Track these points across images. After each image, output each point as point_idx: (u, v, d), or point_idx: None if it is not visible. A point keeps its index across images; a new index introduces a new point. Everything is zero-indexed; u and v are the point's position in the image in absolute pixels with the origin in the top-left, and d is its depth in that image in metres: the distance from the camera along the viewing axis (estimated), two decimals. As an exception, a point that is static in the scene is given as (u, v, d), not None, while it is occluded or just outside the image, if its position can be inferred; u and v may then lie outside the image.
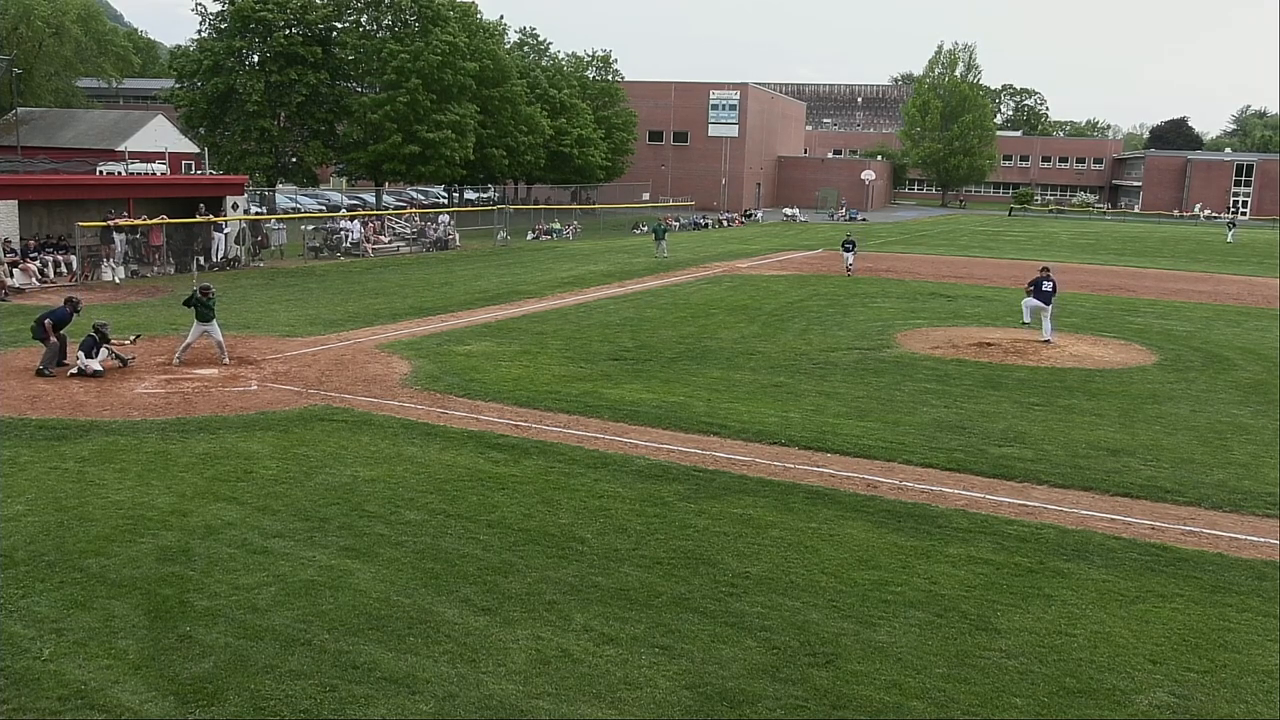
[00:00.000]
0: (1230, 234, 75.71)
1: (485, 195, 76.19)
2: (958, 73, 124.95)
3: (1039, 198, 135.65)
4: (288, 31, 56.67)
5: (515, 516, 12.29)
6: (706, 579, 10.64)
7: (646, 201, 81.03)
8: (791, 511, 12.75)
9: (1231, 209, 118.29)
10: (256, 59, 57.61)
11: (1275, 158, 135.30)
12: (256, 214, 46.67)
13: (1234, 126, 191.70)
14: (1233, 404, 19.66)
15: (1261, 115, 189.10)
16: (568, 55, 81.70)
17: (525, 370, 20.68)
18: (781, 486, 13.71)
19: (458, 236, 51.72)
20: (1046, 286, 25.80)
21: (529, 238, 57.29)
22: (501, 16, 71.90)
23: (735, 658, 9.01)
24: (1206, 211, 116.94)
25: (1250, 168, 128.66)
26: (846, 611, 9.98)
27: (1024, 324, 26.50)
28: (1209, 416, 18.54)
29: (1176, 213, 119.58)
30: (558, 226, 60.76)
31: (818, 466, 14.71)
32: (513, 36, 73.70)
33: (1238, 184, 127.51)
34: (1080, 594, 10.57)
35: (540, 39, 77.24)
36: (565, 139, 72.71)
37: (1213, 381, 21.75)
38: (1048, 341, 25.33)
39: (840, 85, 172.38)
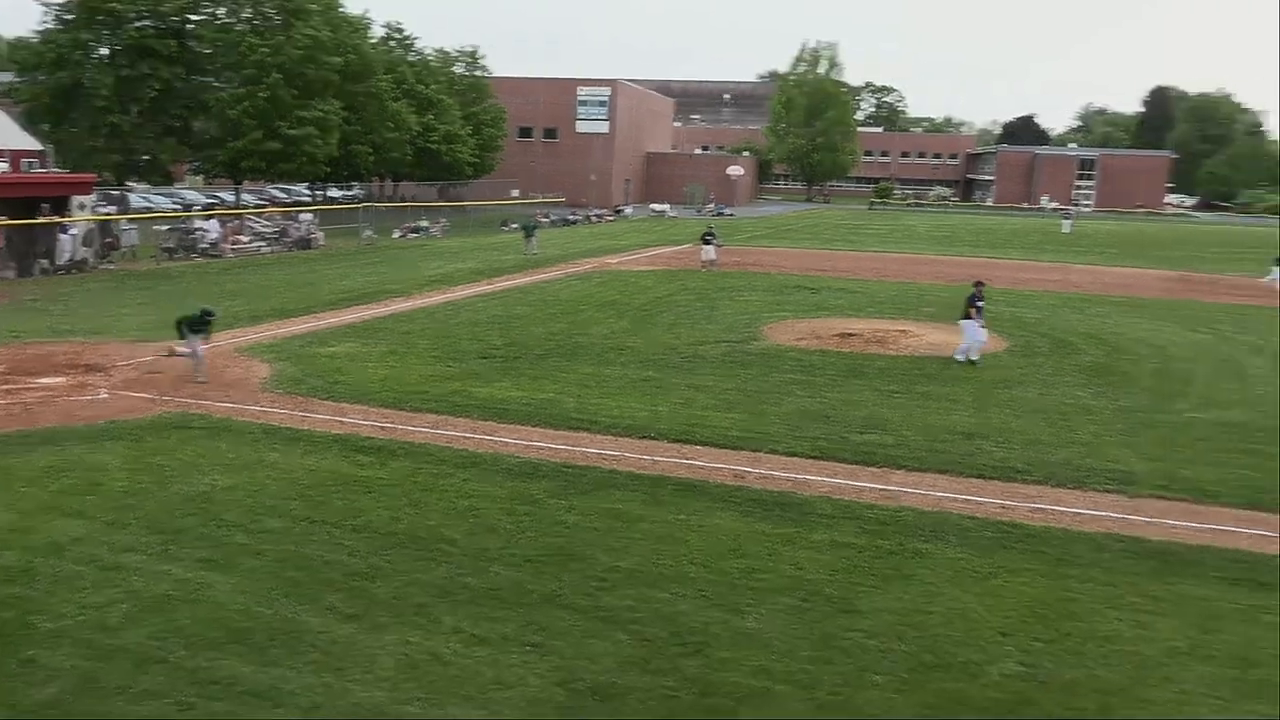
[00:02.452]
0: (1067, 225, 79.10)
1: (350, 193, 74.52)
2: (821, 70, 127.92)
3: (898, 192, 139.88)
4: (139, 24, 54.21)
5: (382, 520, 12.09)
6: (577, 575, 10.66)
7: (516, 198, 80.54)
8: (661, 504, 12.87)
9: (1073, 202, 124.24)
10: (106, 52, 54.93)
11: (1116, 153, 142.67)
12: (105, 214, 44.62)
13: (1079, 123, 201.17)
14: (1077, 386, 20.66)
15: (1102, 113, 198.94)
16: (435, 51, 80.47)
17: (392, 371, 20.34)
18: (651, 480, 13.83)
19: (322, 236, 50.44)
20: (981, 303, 22.94)
21: (396, 236, 56.31)
22: (366, 11, 70.14)
23: (606, 652, 9.06)
24: (1053, 204, 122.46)
25: (1093, 162, 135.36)
26: (715, 600, 10.14)
27: (971, 361, 22.55)
28: (1055, 399, 19.45)
29: (1026, 205, 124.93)
30: (425, 224, 59.86)
31: (686, 459, 14.89)
32: (378, 31, 72.12)
33: (1082, 178, 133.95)
34: (937, 573, 10.97)
35: (406, 34, 75.86)
36: (433, 135, 71.60)
37: (1059, 365, 22.82)
38: (974, 362, 22.53)
39: (709, 82, 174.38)
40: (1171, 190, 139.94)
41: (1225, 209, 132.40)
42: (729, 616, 9.80)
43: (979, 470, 14.75)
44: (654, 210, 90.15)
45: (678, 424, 16.73)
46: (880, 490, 13.72)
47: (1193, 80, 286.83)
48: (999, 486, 14.10)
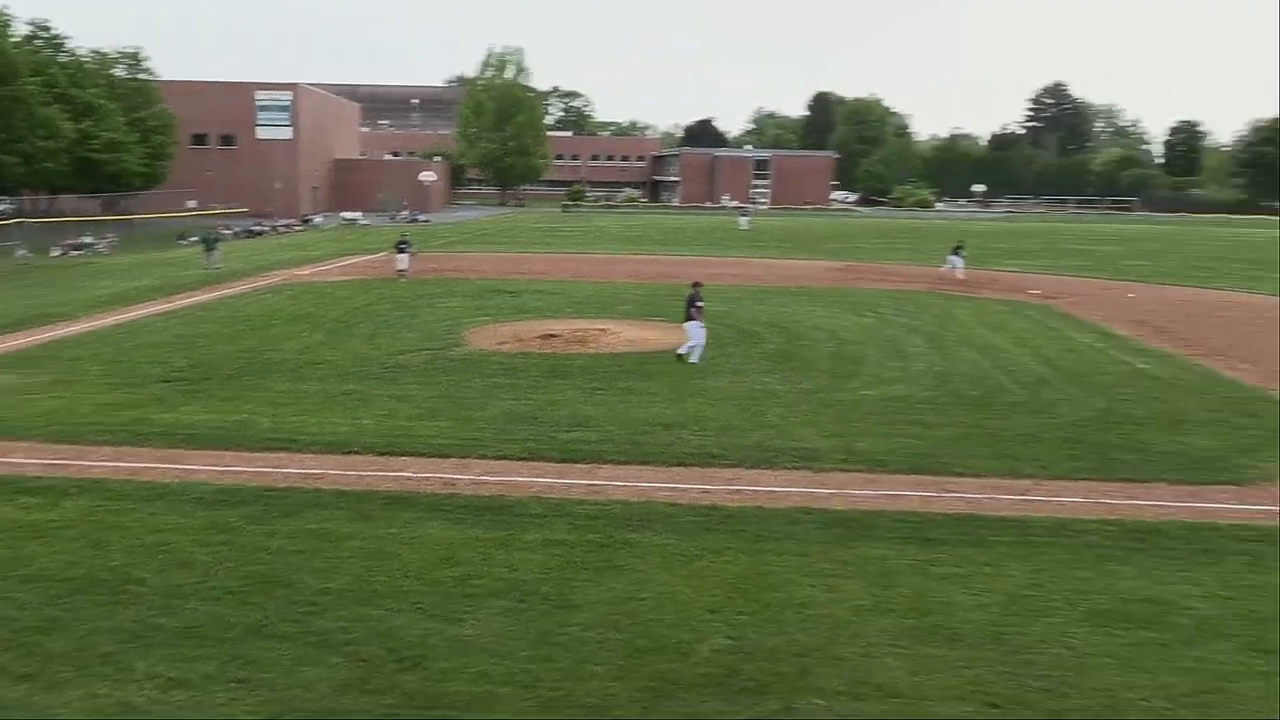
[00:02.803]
0: (744, 222, 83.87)
1: (-1, 209, 67.27)
2: (508, 75, 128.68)
3: (590, 194, 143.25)
4: None
5: (57, 566, 11.04)
6: (283, 601, 10.20)
7: (193, 210, 75.69)
8: (370, 520, 12.55)
9: (751, 200, 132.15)
10: None
11: (786, 154, 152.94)
12: None
13: (752, 126, 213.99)
14: (763, 373, 22.03)
15: (773, 116, 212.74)
16: (91, 52, 73.91)
17: (60, 402, 18.59)
18: (357, 496, 13.45)
19: (-35, 257, 45.25)
20: (701, 303, 23.17)
21: (55, 254, 51.45)
22: (6, 6, 63.08)
23: (321, 678, 8.74)
24: (734, 202, 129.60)
25: (767, 163, 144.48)
26: (432, 611, 10.02)
27: (690, 361, 22.69)
28: (745, 386, 20.64)
29: (709, 204, 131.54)
30: (90, 240, 55.11)
31: (394, 471, 14.60)
32: (21, 29, 65.32)
33: (758, 177, 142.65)
34: (647, 560, 11.38)
35: (54, 33, 69.15)
36: (93, 144, 65.89)
37: (746, 354, 24.23)
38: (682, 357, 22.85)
39: (396, 87, 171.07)
40: (836, 187, 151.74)
41: (881, 203, 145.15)
42: (446, 626, 9.71)
43: (679, 458, 15.42)
44: (345, 219, 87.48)
45: (382, 436, 16.36)
46: (588, 485, 14.05)
47: (850, 86, 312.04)
48: (699, 472, 14.80)
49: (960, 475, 14.83)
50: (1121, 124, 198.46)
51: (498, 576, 10.88)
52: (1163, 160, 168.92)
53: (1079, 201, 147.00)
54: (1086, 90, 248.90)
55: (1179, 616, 10.19)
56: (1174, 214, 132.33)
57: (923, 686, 8.76)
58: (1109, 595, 10.66)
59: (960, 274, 43.40)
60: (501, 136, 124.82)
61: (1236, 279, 47.08)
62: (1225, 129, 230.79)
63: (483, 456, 15.35)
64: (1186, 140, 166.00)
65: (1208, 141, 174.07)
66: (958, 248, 45.66)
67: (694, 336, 23.06)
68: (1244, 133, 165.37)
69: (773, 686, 8.73)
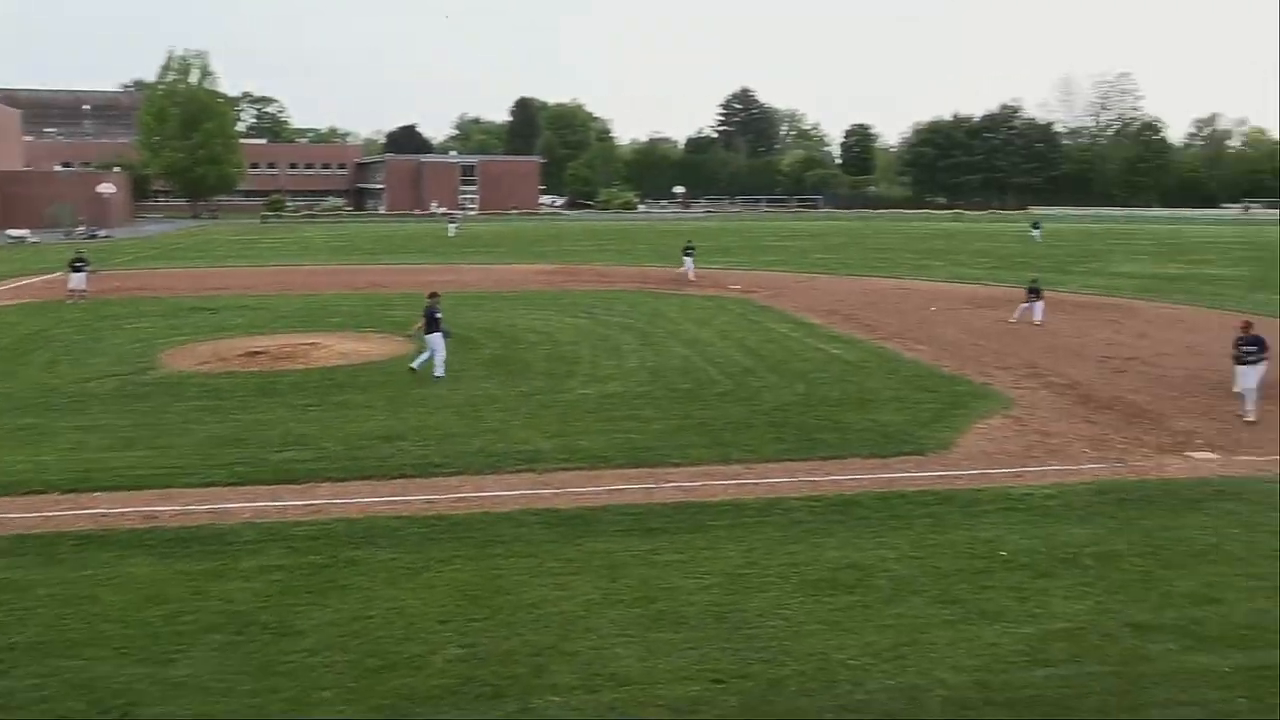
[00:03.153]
0: (453, 229, 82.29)
1: None
2: (193, 79, 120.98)
3: (291, 204, 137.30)
4: None
5: None
6: (-39, 662, 9.17)
7: None
8: (60, 563, 11.49)
9: (460, 205, 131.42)
10: None
11: (492, 159, 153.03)
12: None
13: (456, 131, 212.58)
14: (482, 378, 21.99)
15: (477, 121, 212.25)
16: None
17: None
18: (44, 539, 12.27)
19: None
20: (439, 315, 22.27)
21: None
22: None
23: (11, 741, 7.94)
24: (443, 209, 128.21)
25: (473, 168, 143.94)
26: (138, 655, 9.31)
27: (436, 375, 21.94)
28: (465, 393, 20.53)
29: (417, 211, 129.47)
30: None
31: (84, 509, 13.42)
32: None
33: (465, 183, 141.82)
34: (373, 577, 11.10)
35: None
36: None
37: (464, 360, 24.04)
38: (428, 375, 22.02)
39: (62, 91, 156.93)
40: (544, 191, 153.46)
41: (589, 206, 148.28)
42: (156, 669, 9.06)
43: (401, 470, 15.13)
44: (12, 237, 79.31)
45: (69, 472, 14.99)
46: (306, 506, 13.51)
47: (551, 91, 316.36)
48: (422, 483, 14.59)
49: (677, 465, 15.45)
50: (804, 128, 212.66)
51: (212, 610, 10.27)
52: (841, 161, 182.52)
53: (770, 200, 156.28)
54: (771, 96, 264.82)
55: (878, 579, 11.09)
56: (854, 210, 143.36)
57: (653, 671, 9.07)
58: (817, 566, 11.44)
59: (692, 274, 44.20)
60: (189, 145, 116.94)
61: (909, 268, 51.72)
62: (893, 131, 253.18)
63: (187, 485, 14.41)
64: (860, 142, 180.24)
65: (879, 144, 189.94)
66: (688, 248, 46.16)
67: (434, 348, 22.22)
68: (908, 135, 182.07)
69: (509, 689, 8.76)
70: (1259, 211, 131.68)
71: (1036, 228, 76.32)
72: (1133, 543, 12.20)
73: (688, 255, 45.49)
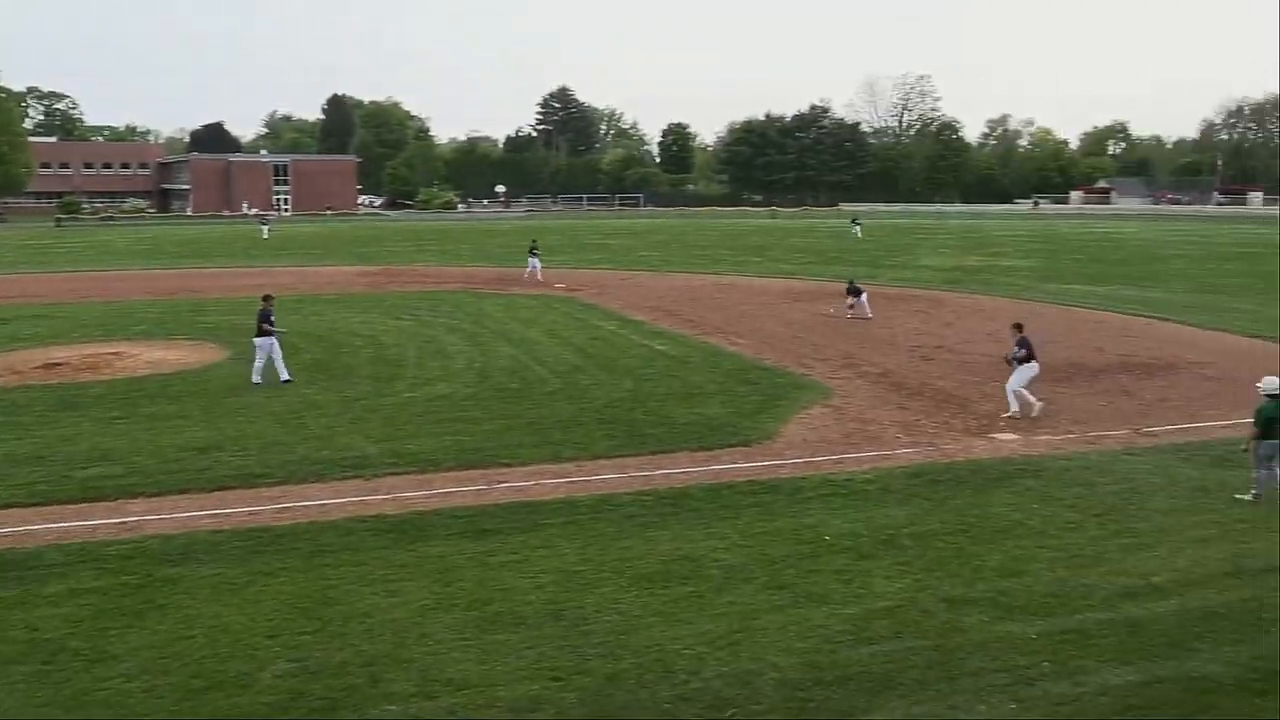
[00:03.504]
0: (265, 230, 79.13)
1: None
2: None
3: (88, 206, 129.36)
4: None
5: None
6: None
7: None
8: None
9: (273, 206, 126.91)
10: None
11: (306, 158, 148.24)
12: None
13: (266, 130, 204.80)
14: (303, 384, 21.29)
15: (289, 119, 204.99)
16: None
17: None
18: None
19: None
20: (273, 318, 21.94)
21: None
22: None
23: None
24: (254, 210, 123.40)
25: (286, 167, 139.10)
26: (-68, 693, 8.64)
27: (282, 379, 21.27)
28: (286, 399, 19.85)
29: (227, 212, 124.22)
30: None
31: None
32: None
33: (278, 183, 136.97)
34: (194, 595, 10.62)
35: None
36: None
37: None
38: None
39: None
40: (362, 191, 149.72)
41: (409, 206, 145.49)
42: (-46, 706, 8.43)
43: (220, 482, 14.52)
44: None
45: None
46: (118, 524, 12.80)
47: (367, 89, 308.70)
48: (243, 494, 14.04)
49: (508, 465, 15.39)
50: (623, 126, 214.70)
51: (15, 640, 9.61)
52: (660, 160, 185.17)
53: (591, 199, 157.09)
54: (590, 95, 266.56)
55: (710, 569, 11.35)
56: (674, 208, 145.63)
57: (491, 673, 9.02)
58: (650, 559, 11.62)
59: (540, 274, 43.42)
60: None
61: (728, 264, 53.00)
62: (709, 130, 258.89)
63: (-19, 507, 13.44)
64: (678, 141, 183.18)
65: (696, 142, 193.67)
66: (533, 248, 45.31)
67: (259, 353, 21.53)
68: (723, 134, 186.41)
69: (343, 701, 8.55)
70: (1047, 206, 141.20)
71: (857, 224, 78.08)
72: (945, 522, 12.89)
73: (533, 255, 44.79)
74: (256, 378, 21.30)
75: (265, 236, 76.66)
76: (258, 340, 21.63)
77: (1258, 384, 14.30)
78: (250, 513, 13.24)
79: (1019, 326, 19.28)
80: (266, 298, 22.49)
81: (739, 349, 25.85)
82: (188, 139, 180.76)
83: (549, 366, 23.24)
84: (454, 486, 14.37)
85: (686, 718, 8.37)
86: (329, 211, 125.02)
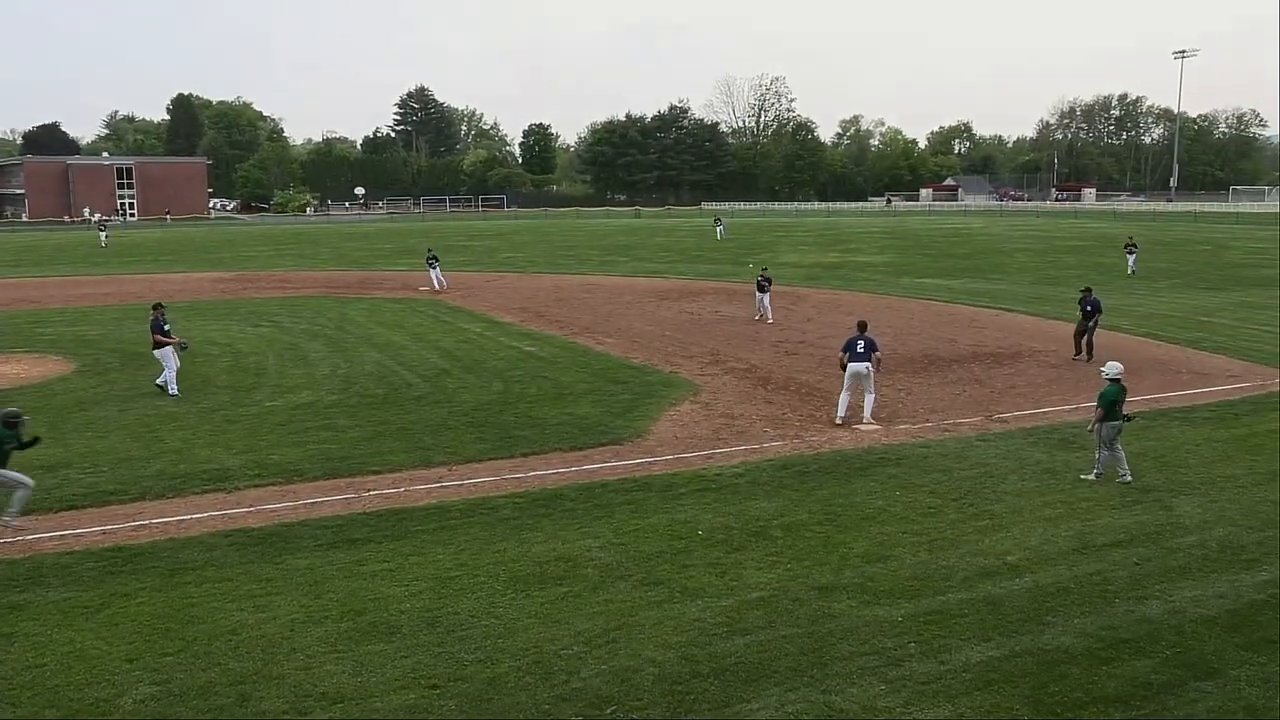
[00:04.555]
0: (104, 238, 73.55)
1: None
2: None
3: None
4: None
5: None
6: None
7: None
8: None
9: (117, 211, 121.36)
10: None
11: (152, 160, 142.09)
12: None
13: (107, 131, 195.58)
14: (157, 396, 20.41)
15: (131, 120, 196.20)
16: None
17: None
18: None
19: None
20: (167, 326, 21.16)
21: None
22: None
23: None
24: (97, 216, 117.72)
25: (131, 170, 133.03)
26: None
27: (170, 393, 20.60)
28: (137, 413, 19.02)
29: (68, 219, 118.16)
30: None
31: None
32: None
33: (121, 186, 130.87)
34: (43, 621, 10.09)
35: None
36: None
37: (134, 378, 22.28)
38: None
39: None
40: (213, 195, 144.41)
41: (264, 210, 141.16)
42: None
43: (70, 501, 13.82)
44: None
45: None
46: (-44, 550, 12.06)
47: (215, 88, 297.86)
48: (95, 513, 13.39)
49: (377, 473, 15.10)
50: (484, 127, 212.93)
51: None
52: (522, 160, 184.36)
53: (454, 200, 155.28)
54: (448, 95, 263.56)
55: (585, 568, 11.38)
56: (538, 209, 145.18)
57: (366, 685, 8.85)
58: (525, 561, 11.57)
59: (442, 284, 40.82)
60: None
61: (594, 265, 53.13)
62: (570, 131, 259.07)
63: None
64: (539, 141, 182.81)
65: (558, 143, 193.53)
66: (431, 257, 42.20)
67: (169, 364, 20.74)
68: (585, 134, 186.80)
69: (211, 723, 8.26)
70: (899, 204, 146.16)
71: (719, 224, 77.28)
72: (813, 512, 13.23)
73: (432, 265, 41.41)
74: (173, 389, 20.50)
75: (103, 244, 71.91)
76: (157, 352, 20.87)
77: (1101, 368, 15.19)
78: (103, 532, 12.65)
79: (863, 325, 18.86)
80: (157, 306, 21.66)
81: (607, 348, 25.96)
82: (20, 140, 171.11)
83: (416, 371, 22.89)
84: (321, 496, 14.02)
85: (567, 718, 8.38)
86: (167, 216, 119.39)
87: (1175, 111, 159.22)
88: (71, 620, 10.11)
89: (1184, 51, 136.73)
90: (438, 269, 41.60)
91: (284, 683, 8.87)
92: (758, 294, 31.50)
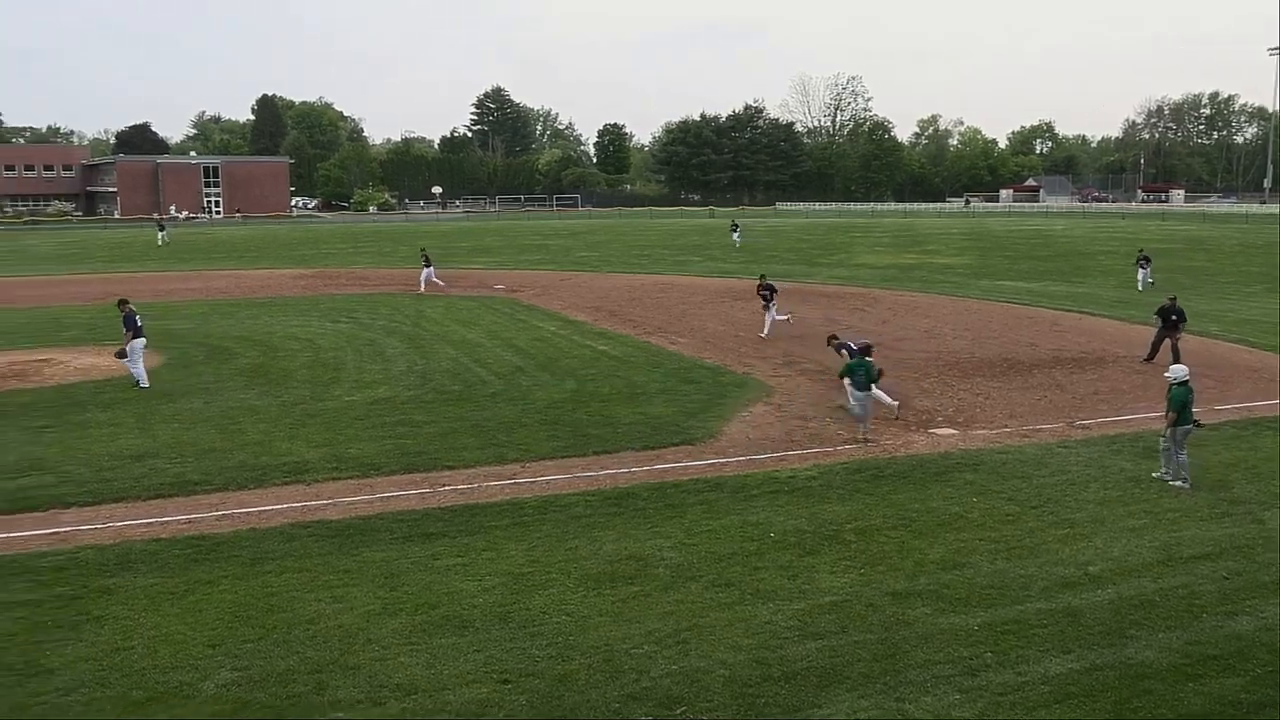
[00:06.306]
0: (162, 237, 74.09)
1: None
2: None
3: (8, 210, 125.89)
4: None
5: None
6: None
7: None
8: None
9: (206, 208, 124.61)
10: None
11: (237, 159, 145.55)
12: None
13: (195, 131, 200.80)
14: (240, 389, 20.95)
15: (218, 120, 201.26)
16: None
17: None
18: None
19: None
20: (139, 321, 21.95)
21: None
22: None
23: None
24: (185, 213, 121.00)
25: (217, 169, 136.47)
26: None
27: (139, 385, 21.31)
28: (221, 405, 19.51)
29: (158, 215, 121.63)
30: None
31: None
32: None
33: (208, 185, 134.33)
34: (131, 605, 10.40)
35: None
36: None
37: (219, 372, 22.88)
38: None
39: None
40: (295, 193, 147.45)
41: (344, 208, 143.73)
42: (-119, 725, 8.17)
43: (157, 490, 14.23)
44: None
45: None
46: (51, 535, 12.49)
47: (298, 88, 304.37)
48: (181, 502, 13.77)
49: (452, 468, 15.27)
50: (559, 127, 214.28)
51: (-55, 655, 9.34)
52: (596, 160, 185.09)
53: (529, 199, 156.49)
54: (524, 95, 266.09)
55: (657, 568, 11.38)
56: (612, 208, 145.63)
57: (439, 677, 8.95)
58: (597, 560, 11.61)
59: (430, 281, 40.18)
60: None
61: (667, 265, 53.13)
62: (645, 130, 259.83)
63: (-95, 521, 13.03)
64: (614, 141, 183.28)
65: (633, 143, 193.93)
66: (425, 257, 41.66)
67: (134, 356, 21.40)
68: (659, 134, 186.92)
69: (289, 710, 8.43)
70: (978, 205, 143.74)
71: (736, 229, 67.14)
72: (888, 516, 13.07)
73: (426, 264, 40.75)
74: (144, 382, 21.11)
75: (160, 243, 71.42)
76: (137, 342, 21.47)
77: (1166, 373, 14.91)
78: (188, 521, 12.99)
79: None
80: (122, 301, 22.32)
81: (680, 348, 25.94)
82: (113, 140, 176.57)
83: (491, 368, 23.11)
84: (397, 490, 14.23)
85: (637, 717, 8.38)
86: (239, 215, 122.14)
87: (1270, 110, 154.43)
88: (158, 605, 10.40)
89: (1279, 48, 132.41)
90: (431, 268, 40.55)
91: (359, 673, 9.01)
92: (764, 306, 27.98)
